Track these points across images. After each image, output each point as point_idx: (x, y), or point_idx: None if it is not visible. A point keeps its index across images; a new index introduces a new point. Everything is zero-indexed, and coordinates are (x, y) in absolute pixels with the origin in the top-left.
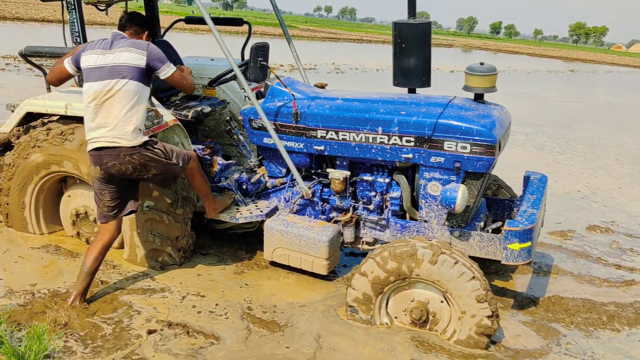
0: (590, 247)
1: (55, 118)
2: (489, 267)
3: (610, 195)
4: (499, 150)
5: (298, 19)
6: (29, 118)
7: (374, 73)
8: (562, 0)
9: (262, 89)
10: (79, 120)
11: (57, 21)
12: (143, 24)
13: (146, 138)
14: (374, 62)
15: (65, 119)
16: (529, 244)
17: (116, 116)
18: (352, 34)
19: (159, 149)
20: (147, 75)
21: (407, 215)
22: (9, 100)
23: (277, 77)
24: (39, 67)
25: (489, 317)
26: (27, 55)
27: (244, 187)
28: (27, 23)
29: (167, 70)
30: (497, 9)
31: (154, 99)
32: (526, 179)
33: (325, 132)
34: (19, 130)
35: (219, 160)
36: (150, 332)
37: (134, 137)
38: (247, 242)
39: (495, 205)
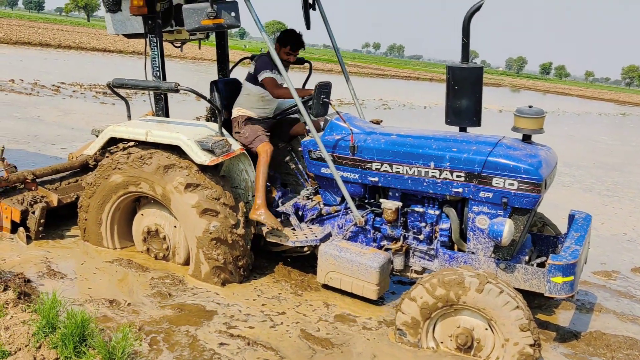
0: (634, 288)
1: (134, 143)
2: (533, 302)
3: None
4: (545, 188)
5: (346, 55)
6: (111, 142)
7: (422, 110)
8: (614, 42)
9: (321, 123)
10: (157, 146)
11: (118, 51)
12: None
13: None
14: (421, 99)
15: (144, 144)
16: (571, 278)
17: None
18: (399, 71)
19: None
20: None
21: (456, 247)
22: (78, 125)
23: (338, 113)
24: (123, 97)
25: (531, 345)
26: (114, 87)
27: (300, 213)
28: (89, 52)
29: None
30: (547, 49)
31: (224, 130)
32: (571, 217)
33: (380, 164)
34: (97, 154)
35: (278, 187)
36: (221, 344)
37: None
38: (300, 265)
39: (540, 242)
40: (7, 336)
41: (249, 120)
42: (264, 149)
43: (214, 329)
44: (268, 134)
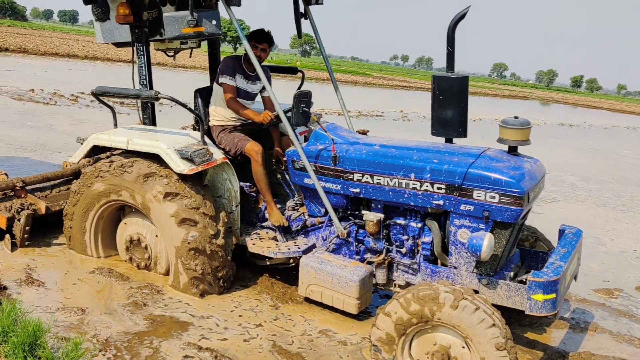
0: (635, 307)
1: (118, 151)
2: (524, 319)
3: None
4: (528, 201)
5: (373, 67)
6: (97, 150)
7: None
8: None
9: (309, 133)
10: (139, 154)
11: None
12: None
13: None
14: None
15: (126, 152)
16: (553, 295)
17: None
18: (425, 83)
19: None
20: None
21: (439, 261)
22: (87, 133)
23: (318, 123)
24: (108, 105)
25: None
26: (98, 95)
27: (287, 225)
28: (115, 63)
29: None
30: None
31: (206, 138)
32: (561, 232)
33: (361, 175)
34: (89, 162)
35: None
36: (185, 357)
37: None
38: (285, 277)
39: (530, 257)
40: None
41: (224, 129)
42: (252, 149)
43: (182, 341)
44: (248, 138)
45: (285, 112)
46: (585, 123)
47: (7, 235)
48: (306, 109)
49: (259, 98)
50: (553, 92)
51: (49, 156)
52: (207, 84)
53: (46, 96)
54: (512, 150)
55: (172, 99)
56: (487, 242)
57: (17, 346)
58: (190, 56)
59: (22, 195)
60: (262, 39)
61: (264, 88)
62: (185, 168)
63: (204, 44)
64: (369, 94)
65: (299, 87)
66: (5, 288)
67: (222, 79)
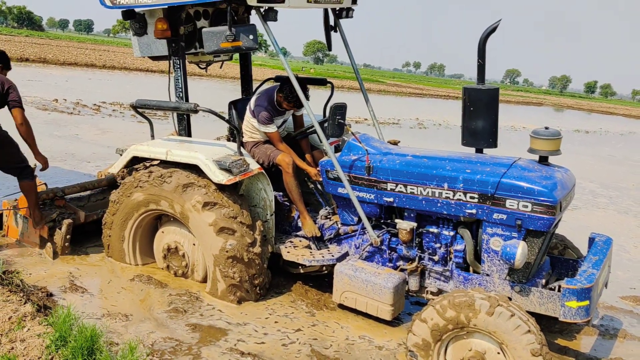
0: None
1: (156, 162)
2: (554, 326)
3: None
4: (560, 210)
5: (386, 74)
6: (134, 161)
7: (457, 129)
8: None
9: (340, 144)
10: (177, 165)
11: (159, 71)
12: None
13: None
14: (458, 118)
15: (165, 163)
16: (587, 302)
17: None
18: (438, 90)
19: None
20: None
21: (471, 268)
22: (114, 143)
23: (353, 134)
24: (146, 117)
25: None
26: (137, 107)
27: (320, 234)
28: (132, 72)
29: None
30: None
31: (242, 150)
32: (591, 240)
33: (395, 185)
34: (123, 172)
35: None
36: None
37: None
38: (318, 284)
39: (560, 265)
40: (22, 348)
41: (256, 144)
42: (283, 160)
43: (223, 347)
44: (279, 151)
45: (320, 123)
46: (601, 129)
47: (49, 244)
48: (341, 121)
49: None
50: (567, 98)
51: (79, 165)
52: (238, 94)
53: (69, 106)
54: (543, 160)
55: (211, 112)
56: (520, 250)
57: (76, 350)
58: (221, 67)
59: (62, 205)
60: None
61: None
62: (223, 178)
63: (235, 55)
64: (384, 101)
65: (329, 98)
66: (51, 295)
67: (264, 129)
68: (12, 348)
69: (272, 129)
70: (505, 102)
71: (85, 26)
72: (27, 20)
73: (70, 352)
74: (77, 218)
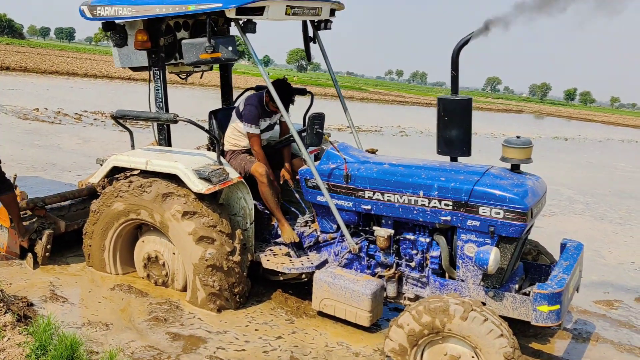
0: (635, 318)
1: (136, 172)
2: (528, 330)
3: None
4: (532, 217)
5: (369, 82)
6: (115, 171)
7: None
8: None
9: (319, 152)
10: (157, 175)
11: (142, 80)
12: None
13: None
14: None
15: (145, 173)
16: (557, 307)
17: None
18: (421, 98)
19: None
20: None
21: (447, 274)
22: (95, 153)
23: (332, 143)
24: (126, 128)
25: None
26: (117, 117)
27: (299, 240)
28: (114, 81)
29: None
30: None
31: (222, 159)
32: (562, 246)
33: (372, 193)
34: (104, 181)
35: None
36: None
37: None
38: (297, 292)
39: (534, 270)
40: (2, 357)
41: (235, 153)
42: (256, 170)
43: (204, 355)
44: (254, 160)
45: (299, 132)
46: (580, 136)
47: (30, 254)
48: (320, 130)
49: None
50: (547, 106)
51: (60, 175)
52: (219, 104)
53: (50, 115)
54: (515, 168)
55: (190, 122)
56: (493, 255)
57: (56, 358)
58: (201, 77)
59: (42, 215)
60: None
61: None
62: (203, 188)
63: (216, 65)
64: (366, 109)
65: (309, 108)
66: (31, 304)
67: (247, 128)
68: None
69: (254, 130)
70: (486, 109)
71: (67, 34)
72: (8, 28)
73: None
74: (57, 228)
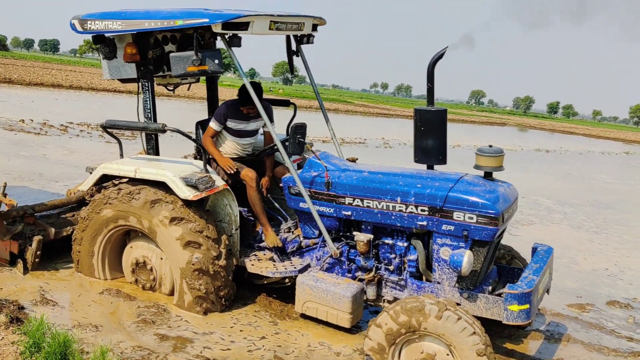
0: (606, 320)
1: (125, 180)
2: (503, 331)
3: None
4: (503, 222)
5: (354, 95)
6: (104, 179)
7: None
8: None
9: (302, 161)
10: (145, 182)
11: (127, 92)
12: None
13: None
14: None
15: (133, 180)
16: (527, 306)
17: None
18: (405, 110)
19: None
20: None
21: (424, 277)
22: (82, 163)
23: (313, 152)
24: (116, 137)
25: None
26: (107, 128)
27: (282, 246)
28: (100, 93)
29: None
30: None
31: (208, 167)
32: (533, 250)
33: (352, 199)
34: (92, 189)
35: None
36: None
37: None
38: (281, 295)
39: (507, 273)
40: None
41: None
42: (247, 175)
43: (191, 354)
44: (243, 166)
45: (282, 142)
46: (562, 148)
47: (20, 260)
48: (302, 140)
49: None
50: (530, 119)
51: (47, 185)
52: (206, 115)
53: (36, 126)
54: (488, 175)
55: (178, 131)
56: (466, 258)
57: (50, 355)
58: (188, 89)
59: (31, 222)
60: (246, 103)
61: (264, 124)
62: (190, 194)
63: (202, 78)
64: (351, 121)
65: (292, 119)
66: (22, 308)
67: (211, 123)
68: None
69: (215, 126)
70: (470, 122)
71: (51, 46)
72: None
73: (44, 357)
74: (47, 235)
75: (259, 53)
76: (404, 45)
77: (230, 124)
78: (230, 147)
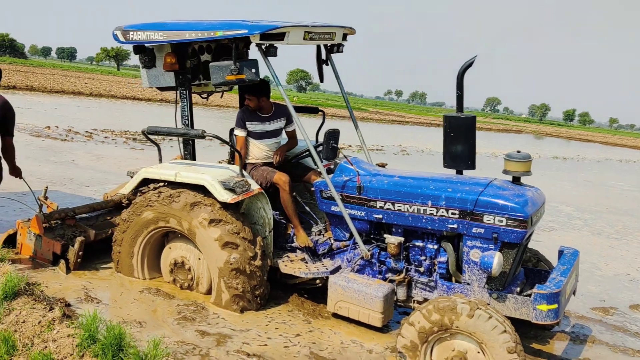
0: (629, 323)
1: (163, 183)
2: (529, 332)
3: None
4: (532, 224)
5: (368, 102)
6: (144, 183)
7: (439, 156)
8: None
9: (332, 166)
10: (185, 186)
11: (146, 99)
12: None
13: None
14: (440, 145)
15: (173, 184)
16: (555, 306)
17: None
18: (420, 118)
19: None
20: None
21: (453, 278)
22: (110, 169)
23: (345, 157)
24: (155, 143)
25: None
26: (148, 133)
27: (313, 248)
28: (120, 100)
29: None
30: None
31: (244, 171)
32: (560, 252)
33: (383, 203)
34: (130, 194)
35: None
36: None
37: None
38: (313, 296)
39: (533, 275)
40: (54, 347)
41: (254, 166)
42: (280, 179)
43: (231, 349)
44: (275, 170)
45: (315, 147)
46: (579, 156)
47: (62, 260)
48: (335, 145)
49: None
50: (546, 126)
51: (78, 189)
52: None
53: (62, 133)
54: (516, 180)
55: (217, 137)
56: (497, 260)
57: (106, 346)
58: (221, 97)
59: (72, 224)
60: (253, 93)
61: (286, 124)
62: (228, 197)
63: (235, 86)
64: (367, 128)
65: (321, 125)
66: (69, 305)
67: (235, 131)
68: (45, 347)
69: (240, 132)
70: (486, 129)
71: (68, 54)
72: (10, 48)
73: (100, 349)
74: (87, 236)
75: (273, 61)
76: (419, 52)
77: (250, 126)
78: (257, 152)
